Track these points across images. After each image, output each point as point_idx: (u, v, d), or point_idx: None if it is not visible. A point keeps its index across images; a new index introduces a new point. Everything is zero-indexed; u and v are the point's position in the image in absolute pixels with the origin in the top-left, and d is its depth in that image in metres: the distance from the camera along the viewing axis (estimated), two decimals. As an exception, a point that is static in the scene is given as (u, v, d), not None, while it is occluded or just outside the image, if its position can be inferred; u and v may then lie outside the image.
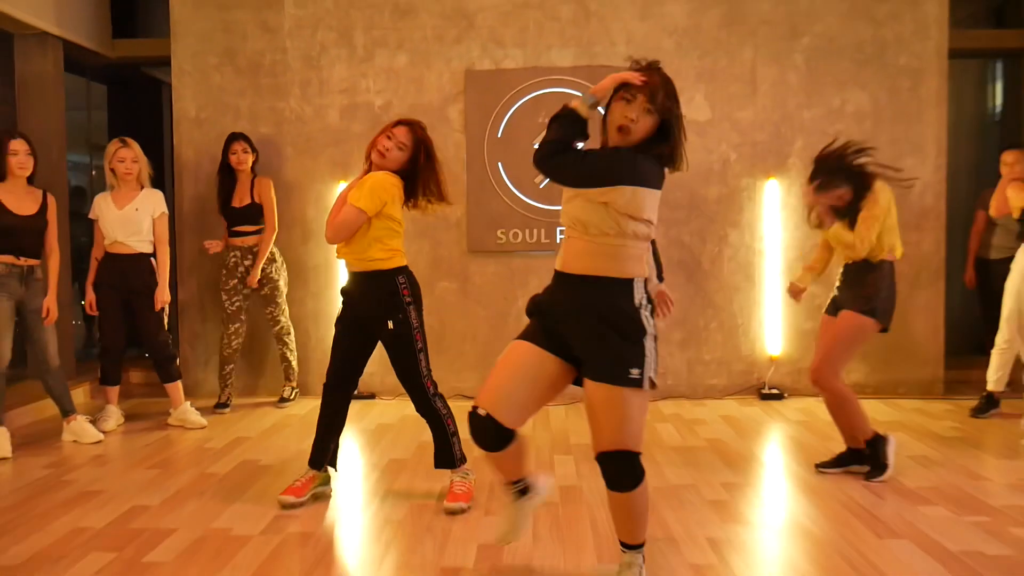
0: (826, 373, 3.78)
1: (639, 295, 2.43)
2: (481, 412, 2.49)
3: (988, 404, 5.06)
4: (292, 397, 5.55)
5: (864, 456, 3.85)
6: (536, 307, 2.57)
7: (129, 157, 4.84)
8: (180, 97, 5.83)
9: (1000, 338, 4.96)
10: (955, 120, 6.91)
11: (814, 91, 5.66)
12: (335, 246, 3.51)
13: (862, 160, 3.67)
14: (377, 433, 4.76)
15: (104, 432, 4.73)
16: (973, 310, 6.28)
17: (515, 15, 5.70)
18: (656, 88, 2.41)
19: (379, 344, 3.53)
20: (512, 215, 5.66)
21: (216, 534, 3.16)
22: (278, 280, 5.44)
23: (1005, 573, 2.76)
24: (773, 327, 5.70)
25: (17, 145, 4.38)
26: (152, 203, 4.90)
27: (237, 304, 5.41)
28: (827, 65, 5.64)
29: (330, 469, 3.63)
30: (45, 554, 2.97)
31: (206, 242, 5.40)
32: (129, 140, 4.90)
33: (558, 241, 5.51)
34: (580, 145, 2.50)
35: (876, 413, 5.06)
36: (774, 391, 5.62)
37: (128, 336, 5.03)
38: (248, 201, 5.36)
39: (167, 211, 4.99)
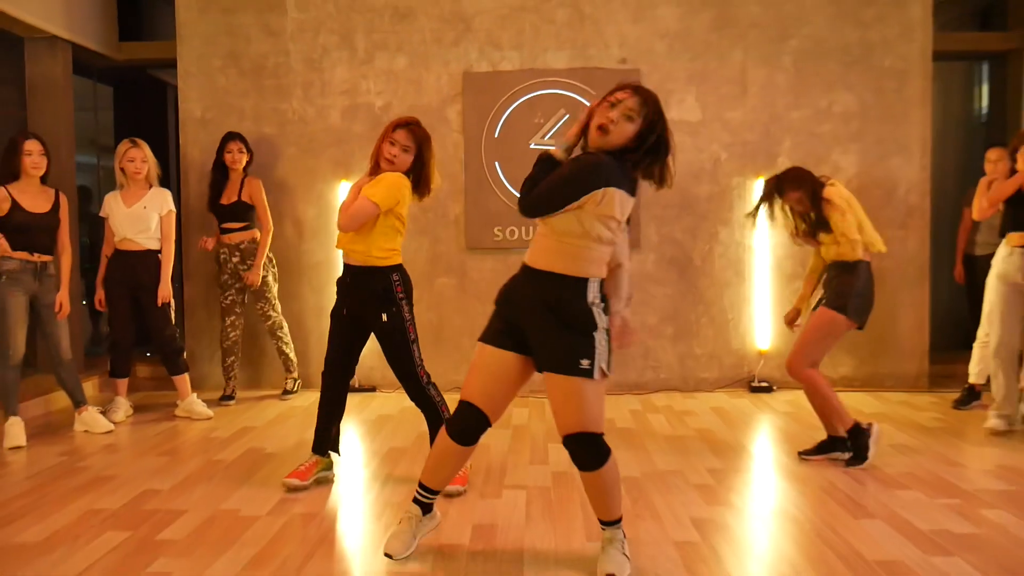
0: (797, 363, 4.00)
1: (592, 294, 2.62)
2: (473, 403, 2.73)
3: (970, 396, 5.22)
4: (295, 389, 5.72)
5: (846, 443, 4.02)
6: (503, 298, 2.77)
7: (139, 157, 5.00)
8: (186, 98, 6.00)
9: (981, 332, 5.12)
10: (942, 121, 7.08)
11: (802, 92, 5.82)
12: (335, 240, 3.68)
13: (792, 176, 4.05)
14: (377, 423, 4.93)
15: (114, 423, 4.90)
16: (960, 306, 6.44)
17: (512, 18, 5.86)
18: (646, 96, 2.59)
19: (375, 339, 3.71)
20: (509, 213, 5.82)
21: (225, 515, 3.33)
22: (267, 276, 5.60)
23: (968, 548, 2.92)
24: (762, 322, 5.87)
25: (31, 146, 4.55)
26: (160, 201, 5.07)
27: (231, 298, 5.58)
28: (815, 67, 5.80)
29: (332, 454, 3.80)
30: (64, 532, 3.14)
31: (201, 241, 5.59)
32: (139, 141, 5.06)
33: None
34: None
35: (863, 405, 5.22)
36: (763, 384, 5.79)
37: (137, 331, 5.20)
38: (235, 199, 5.52)
39: (174, 209, 5.15)
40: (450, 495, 3.52)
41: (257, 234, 5.56)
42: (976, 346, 5.18)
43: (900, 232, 5.78)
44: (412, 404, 3.73)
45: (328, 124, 5.95)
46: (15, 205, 4.51)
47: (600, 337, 2.61)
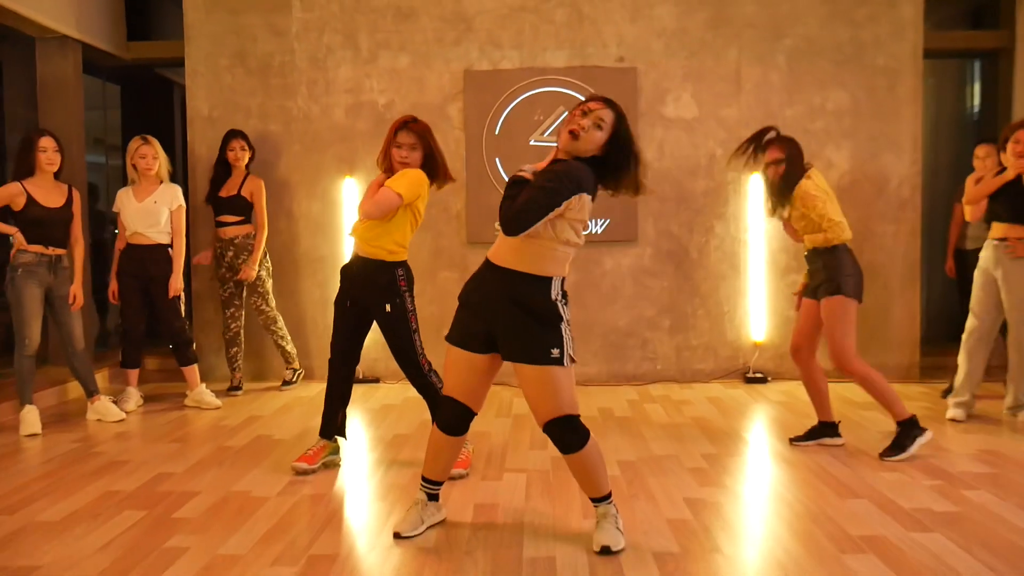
0: (843, 360, 3.99)
1: (555, 291, 2.78)
2: (454, 398, 2.92)
3: (959, 386, 5.35)
4: (295, 379, 5.86)
5: (836, 429, 4.17)
6: (467, 295, 2.91)
7: (150, 154, 5.14)
8: (193, 97, 6.14)
9: (970, 324, 5.24)
10: (935, 119, 7.21)
11: (796, 90, 5.95)
12: (341, 234, 3.82)
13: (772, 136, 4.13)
14: (382, 412, 5.07)
15: (126, 412, 5.04)
16: (951, 300, 6.57)
17: (512, 18, 6.00)
18: (616, 110, 2.77)
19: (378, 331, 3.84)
20: (509, 208, 5.93)
21: (237, 495, 3.47)
22: (260, 271, 5.72)
23: (946, 524, 3.06)
24: (757, 314, 6.00)
25: (46, 142, 4.70)
26: (170, 196, 5.20)
27: (229, 291, 5.74)
28: (808, 65, 5.94)
29: (339, 439, 3.94)
30: (83, 512, 3.28)
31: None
32: (150, 138, 5.20)
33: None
34: None
35: (857, 395, 5.35)
36: (758, 375, 5.93)
37: (148, 322, 5.35)
38: (235, 193, 5.66)
39: (184, 204, 5.29)
40: (453, 478, 3.65)
41: (251, 229, 5.70)
42: (965, 337, 5.30)
43: (892, 226, 5.92)
44: (415, 394, 3.87)
45: (332, 122, 6.08)
46: (31, 200, 4.65)
47: (564, 327, 2.78)
